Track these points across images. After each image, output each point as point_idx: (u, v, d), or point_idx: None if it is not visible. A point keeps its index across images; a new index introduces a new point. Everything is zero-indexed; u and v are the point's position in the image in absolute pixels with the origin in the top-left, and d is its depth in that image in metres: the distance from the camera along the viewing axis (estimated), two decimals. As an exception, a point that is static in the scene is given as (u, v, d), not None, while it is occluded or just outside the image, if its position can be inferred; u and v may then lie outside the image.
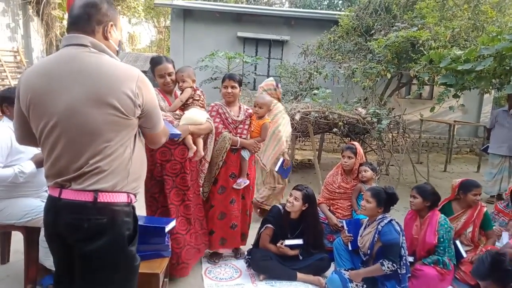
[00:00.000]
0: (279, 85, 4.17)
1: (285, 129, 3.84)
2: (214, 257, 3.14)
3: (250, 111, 3.18)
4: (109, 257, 1.41)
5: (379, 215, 2.70)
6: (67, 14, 7.54)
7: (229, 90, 2.97)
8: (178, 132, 2.35)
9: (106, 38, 1.44)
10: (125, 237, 1.44)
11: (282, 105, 4.16)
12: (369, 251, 2.69)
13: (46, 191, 2.64)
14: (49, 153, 1.39)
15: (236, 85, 2.99)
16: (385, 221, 2.63)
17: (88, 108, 1.32)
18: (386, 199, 2.71)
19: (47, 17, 8.23)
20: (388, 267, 2.51)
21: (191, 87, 2.70)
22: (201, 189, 3.01)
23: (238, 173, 3.05)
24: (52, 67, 1.37)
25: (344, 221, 3.10)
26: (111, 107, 1.34)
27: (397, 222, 2.67)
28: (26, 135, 1.50)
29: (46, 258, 2.45)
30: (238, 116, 3.04)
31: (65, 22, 8.54)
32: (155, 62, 2.63)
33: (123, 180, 1.43)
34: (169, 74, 2.62)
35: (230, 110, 3.03)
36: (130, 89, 1.37)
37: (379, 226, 2.63)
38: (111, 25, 1.45)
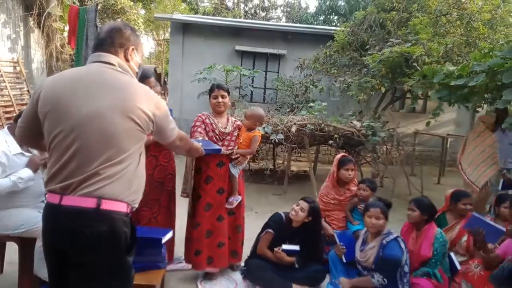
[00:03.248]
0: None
1: None
2: (210, 275, 3.04)
3: (239, 122, 3.15)
4: (106, 266, 1.42)
5: (385, 230, 2.70)
6: (67, 26, 7.66)
7: (220, 99, 2.92)
8: (219, 147, 2.67)
9: (127, 60, 1.59)
10: (122, 246, 1.46)
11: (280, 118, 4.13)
12: (373, 266, 2.67)
13: (43, 201, 2.63)
14: (60, 155, 1.42)
15: (226, 94, 2.95)
16: (391, 237, 2.64)
17: (113, 115, 1.42)
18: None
19: (47, 29, 8.30)
20: (378, 280, 2.54)
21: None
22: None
23: (227, 190, 2.99)
24: (81, 76, 1.48)
25: (335, 233, 3.11)
26: (132, 120, 1.45)
27: (402, 240, 2.67)
28: (30, 136, 1.60)
29: (41, 269, 2.43)
30: (225, 128, 2.98)
31: (65, 34, 8.62)
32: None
33: (126, 190, 1.47)
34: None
35: (218, 122, 2.96)
36: (149, 108, 1.51)
37: (384, 241, 2.64)
38: (132, 49, 1.60)
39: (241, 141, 3.06)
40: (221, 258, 2.98)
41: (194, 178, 2.94)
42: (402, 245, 2.62)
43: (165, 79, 20.39)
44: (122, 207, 1.46)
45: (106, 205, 1.40)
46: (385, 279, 2.53)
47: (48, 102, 1.44)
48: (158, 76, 20.35)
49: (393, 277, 2.57)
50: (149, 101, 1.52)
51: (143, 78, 3.02)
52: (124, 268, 1.50)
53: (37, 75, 8.83)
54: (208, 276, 3.04)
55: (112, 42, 1.55)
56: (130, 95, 1.47)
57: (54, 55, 8.50)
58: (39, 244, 2.45)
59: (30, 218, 2.45)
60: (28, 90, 7.62)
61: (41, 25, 8.14)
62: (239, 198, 3.05)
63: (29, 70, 8.25)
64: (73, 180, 1.39)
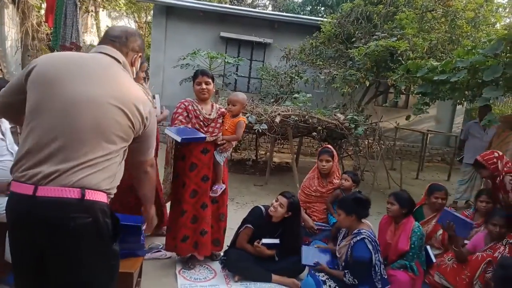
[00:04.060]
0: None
1: None
2: (190, 262, 3.03)
3: (223, 109, 3.11)
4: (91, 257, 1.37)
5: (356, 228, 2.69)
6: (45, 3, 7.31)
7: (203, 86, 2.87)
8: (203, 135, 2.77)
9: (131, 65, 1.62)
10: (107, 237, 1.40)
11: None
12: (343, 263, 2.73)
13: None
14: (40, 136, 1.32)
15: (210, 81, 2.90)
16: (358, 238, 2.63)
17: (110, 106, 1.39)
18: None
19: (23, 5, 7.90)
20: (349, 280, 2.60)
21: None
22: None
23: (211, 177, 2.96)
24: (87, 62, 1.45)
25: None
26: (127, 116, 1.43)
27: (371, 240, 2.63)
28: (8, 109, 1.52)
29: None
30: (210, 114, 2.94)
31: (42, 12, 8.24)
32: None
33: (109, 181, 1.41)
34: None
35: (202, 108, 2.92)
36: (144, 112, 1.51)
37: (352, 242, 2.66)
38: (139, 56, 1.64)
39: (226, 127, 3.03)
40: (204, 247, 2.95)
41: (178, 165, 2.92)
42: (370, 246, 2.60)
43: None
44: (103, 197, 1.39)
45: (90, 196, 1.33)
46: (355, 280, 2.58)
47: (41, 77, 1.36)
48: (139, 60, 19.91)
49: (366, 275, 2.60)
50: (145, 105, 1.52)
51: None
52: (110, 257, 1.45)
53: (11, 54, 8.41)
54: (187, 265, 3.00)
55: (126, 43, 1.57)
56: (130, 92, 1.47)
57: (30, 34, 8.12)
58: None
59: (0, 202, 2.33)
60: (0, 69, 7.26)
61: (16, 0, 7.74)
62: (223, 186, 3.03)
63: (2, 48, 7.86)
64: (56, 167, 1.29)
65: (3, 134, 2.48)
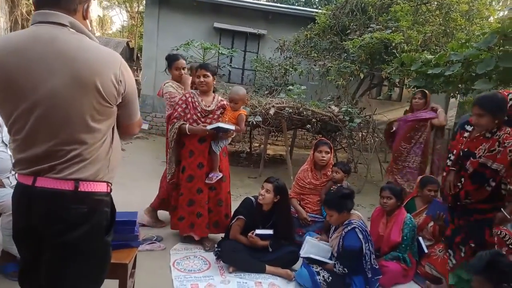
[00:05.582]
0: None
1: None
2: (188, 240, 3.22)
3: (224, 102, 3.21)
4: (84, 247, 1.36)
5: (346, 219, 2.71)
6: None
7: (202, 79, 3.01)
8: (232, 127, 2.97)
9: (84, 18, 1.36)
10: (103, 227, 1.39)
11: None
12: (335, 254, 2.75)
13: (8, 177, 2.53)
14: (24, 138, 1.28)
15: (208, 73, 3.02)
16: (349, 228, 2.65)
17: (74, 94, 1.25)
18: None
19: (12, -6, 7.75)
20: (339, 270, 2.62)
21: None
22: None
23: (207, 165, 3.08)
24: (29, 46, 1.24)
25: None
26: (95, 92, 1.27)
27: (362, 230, 2.65)
28: None
29: (11, 246, 2.32)
30: (209, 106, 3.09)
31: (31, 0, 8.08)
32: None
33: (104, 169, 1.38)
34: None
35: (202, 100, 3.08)
36: (114, 74, 1.30)
37: (343, 232, 2.68)
38: (89, 4, 1.37)
39: (226, 120, 3.11)
40: (199, 227, 3.14)
41: (181, 152, 3.14)
42: (360, 235, 2.62)
43: (138, 54, 19.72)
44: (102, 187, 1.37)
45: (85, 187, 1.31)
46: (345, 269, 2.61)
47: (2, 85, 1.24)
48: (130, 51, 19.66)
49: (356, 265, 2.63)
50: (113, 67, 1.31)
51: (173, 60, 3.48)
52: (103, 249, 1.44)
53: (0, 43, 8.27)
54: (181, 257, 3.03)
55: None
56: (90, 63, 1.26)
57: (19, 22, 7.99)
58: (6, 220, 2.33)
59: (-6, 193, 2.32)
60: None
61: (5, -12, 7.57)
62: (220, 174, 3.14)
63: (-9, 36, 7.71)
64: (43, 166, 1.27)
65: None
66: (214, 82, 3.15)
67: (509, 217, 2.37)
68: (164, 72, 3.86)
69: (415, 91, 4.20)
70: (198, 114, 3.04)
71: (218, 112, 3.14)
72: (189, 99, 3.07)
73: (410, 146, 4.07)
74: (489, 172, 2.32)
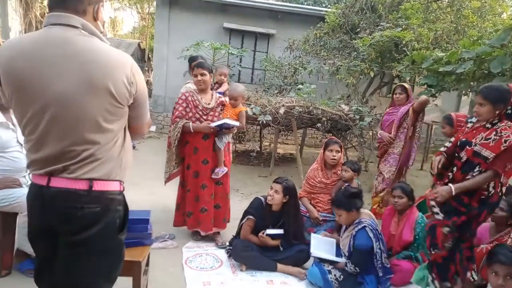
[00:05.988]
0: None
1: None
2: (196, 235, 3.33)
3: (223, 99, 3.32)
4: (98, 245, 1.38)
5: (357, 219, 2.71)
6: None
7: (199, 78, 3.09)
8: (237, 123, 3.09)
9: (95, 19, 1.37)
10: (116, 225, 1.42)
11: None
12: (346, 254, 2.75)
13: (24, 176, 2.56)
14: (37, 139, 1.31)
15: (205, 72, 3.09)
16: (359, 227, 2.66)
17: (85, 96, 1.27)
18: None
19: (26, -4, 7.90)
20: (350, 269, 2.63)
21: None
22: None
23: (211, 160, 3.17)
24: (41, 49, 1.26)
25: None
26: (107, 94, 1.29)
27: (372, 229, 2.66)
28: None
29: (26, 243, 2.38)
30: (209, 104, 3.18)
31: (45, 3, 8.22)
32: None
33: (117, 168, 1.40)
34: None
35: (201, 98, 3.17)
36: (126, 76, 1.32)
37: (354, 231, 2.68)
38: (101, 5, 1.39)
39: (228, 116, 3.18)
40: (204, 223, 3.22)
41: (185, 149, 3.21)
42: (371, 234, 2.63)
43: (149, 55, 19.90)
44: (115, 186, 1.40)
45: (99, 186, 1.34)
46: (357, 268, 2.61)
47: (10, 83, 1.27)
48: (142, 52, 19.85)
49: (367, 264, 2.63)
50: (124, 68, 1.32)
51: (193, 66, 3.32)
52: (116, 247, 1.46)
53: (15, 45, 8.43)
54: (193, 254, 3.07)
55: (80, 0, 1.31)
56: (101, 65, 1.27)
57: (33, 25, 8.14)
58: (22, 219, 2.39)
59: (10, 193, 2.38)
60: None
61: (20, -8, 7.73)
62: (225, 169, 3.26)
63: (6, 40, 7.86)
64: (57, 166, 1.30)
65: (14, 125, 2.50)
66: (211, 80, 3.24)
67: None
68: (187, 73, 3.98)
69: (395, 86, 4.17)
70: (200, 112, 3.12)
71: (219, 109, 3.24)
72: (189, 98, 3.13)
73: (398, 134, 4.07)
74: (477, 160, 2.31)
